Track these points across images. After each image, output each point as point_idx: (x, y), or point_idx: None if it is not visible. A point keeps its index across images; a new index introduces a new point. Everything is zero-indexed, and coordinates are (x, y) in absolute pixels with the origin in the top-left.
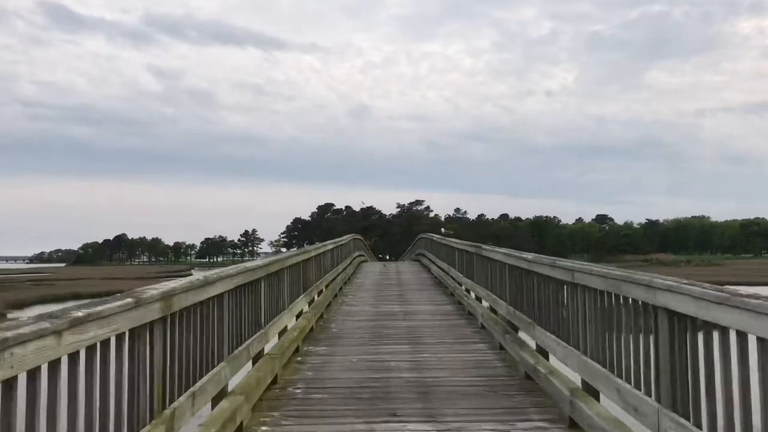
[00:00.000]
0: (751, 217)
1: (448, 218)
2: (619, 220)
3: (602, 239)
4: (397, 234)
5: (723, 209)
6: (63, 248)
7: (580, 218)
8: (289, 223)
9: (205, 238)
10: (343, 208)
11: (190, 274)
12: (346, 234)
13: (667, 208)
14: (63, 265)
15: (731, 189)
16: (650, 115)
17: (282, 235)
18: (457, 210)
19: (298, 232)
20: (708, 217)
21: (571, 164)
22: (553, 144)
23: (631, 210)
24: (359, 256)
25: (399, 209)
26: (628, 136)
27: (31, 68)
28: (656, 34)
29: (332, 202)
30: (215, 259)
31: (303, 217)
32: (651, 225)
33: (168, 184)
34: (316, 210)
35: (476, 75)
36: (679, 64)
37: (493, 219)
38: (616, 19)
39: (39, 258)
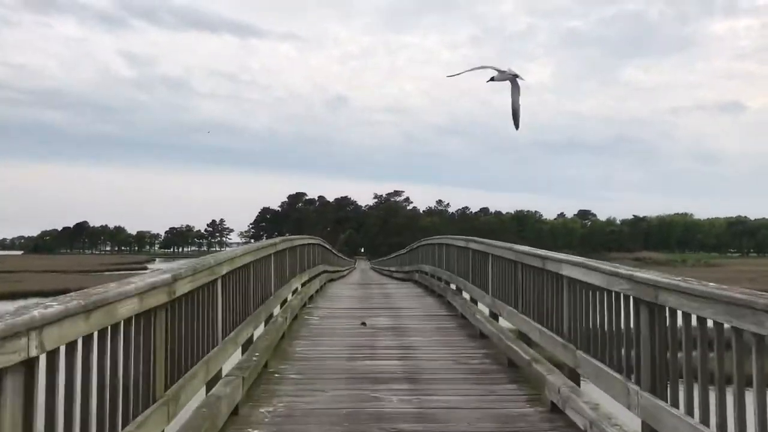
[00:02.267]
0: (732, 215)
1: (429, 211)
2: (599, 216)
3: (587, 236)
4: (373, 226)
5: (700, 206)
6: (26, 234)
7: (562, 213)
8: (256, 214)
9: (170, 228)
10: (316, 198)
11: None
12: (316, 228)
13: (644, 205)
14: (20, 253)
15: (706, 187)
16: (626, 112)
17: (251, 226)
18: (440, 202)
19: (267, 223)
20: (691, 215)
21: (548, 159)
22: (530, 139)
23: (608, 206)
24: (322, 273)
25: (376, 200)
26: (605, 133)
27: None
28: (632, 32)
29: (305, 191)
30: (180, 250)
31: (272, 207)
32: (637, 221)
33: (137, 172)
34: (286, 200)
35: (454, 68)
36: (655, 62)
37: (473, 213)
38: (594, 16)
39: (1, 244)
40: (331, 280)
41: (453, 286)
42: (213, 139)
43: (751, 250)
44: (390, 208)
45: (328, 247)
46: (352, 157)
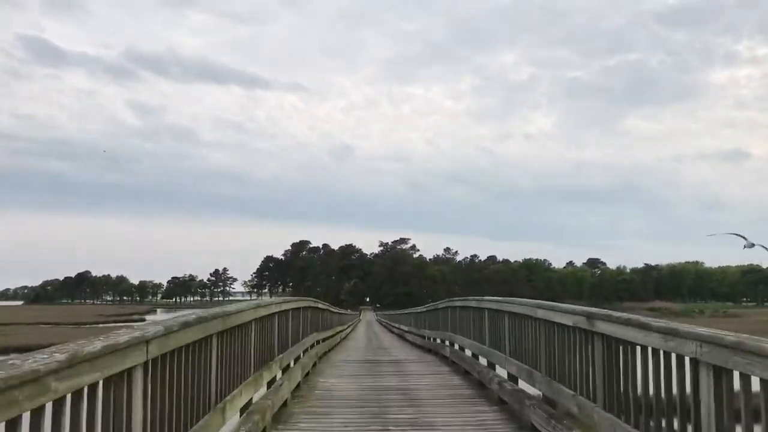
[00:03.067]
0: (743, 264)
1: (436, 259)
2: (609, 265)
3: (598, 285)
4: (379, 275)
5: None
6: (29, 285)
7: (571, 262)
8: (260, 263)
9: (172, 277)
10: (320, 246)
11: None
12: (320, 278)
13: (651, 253)
14: (20, 303)
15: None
16: (629, 161)
17: (254, 275)
18: (447, 250)
19: (270, 272)
20: (702, 263)
21: (553, 207)
22: (534, 187)
23: (615, 254)
24: (310, 349)
25: (381, 248)
26: (609, 181)
27: (11, 102)
28: (634, 82)
29: (309, 240)
30: (183, 299)
31: (276, 256)
32: (648, 270)
33: (142, 221)
34: (290, 248)
35: (457, 117)
36: (657, 111)
37: (480, 261)
38: (595, 66)
39: (4, 295)
40: (326, 352)
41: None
42: (218, 188)
43: (767, 300)
44: (396, 256)
45: (322, 306)
46: (357, 205)
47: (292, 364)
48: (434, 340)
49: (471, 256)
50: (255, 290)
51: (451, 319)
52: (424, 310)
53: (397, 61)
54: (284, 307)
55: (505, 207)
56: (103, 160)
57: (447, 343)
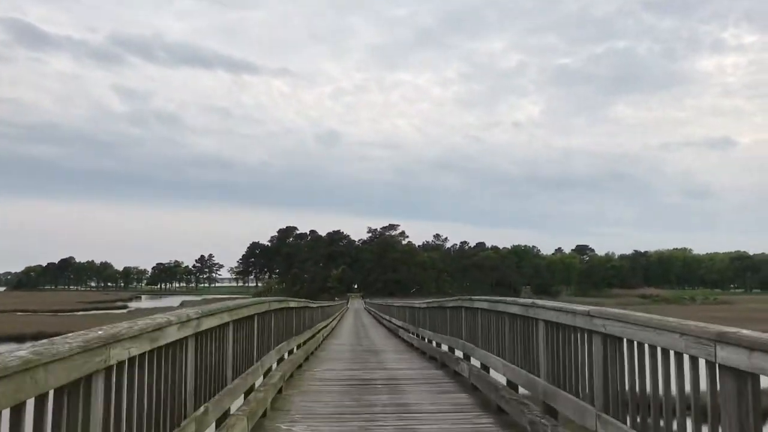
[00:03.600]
0: (730, 250)
1: (426, 245)
2: (597, 251)
3: (587, 271)
4: (368, 262)
5: (695, 241)
6: (14, 271)
7: (559, 248)
8: (246, 250)
9: (157, 263)
10: (308, 233)
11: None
12: (306, 264)
13: (638, 240)
14: (3, 289)
15: (700, 221)
16: (617, 148)
17: (239, 262)
18: (437, 236)
19: (256, 259)
20: (690, 250)
21: (541, 194)
22: (522, 174)
23: (602, 240)
24: (281, 360)
25: (370, 234)
26: (596, 168)
27: None
28: (622, 69)
29: (295, 226)
30: (167, 286)
31: (262, 242)
32: (637, 257)
33: (127, 207)
34: (276, 234)
35: (445, 104)
36: (644, 98)
37: (470, 247)
38: (583, 54)
39: None
40: (300, 365)
41: None
42: (205, 173)
43: (756, 288)
44: (385, 242)
45: (295, 304)
46: (345, 192)
47: (233, 410)
48: (438, 345)
49: (461, 242)
50: (241, 277)
51: (467, 325)
52: (425, 306)
53: (386, 47)
54: (239, 314)
55: (493, 194)
56: (88, 146)
57: (459, 354)
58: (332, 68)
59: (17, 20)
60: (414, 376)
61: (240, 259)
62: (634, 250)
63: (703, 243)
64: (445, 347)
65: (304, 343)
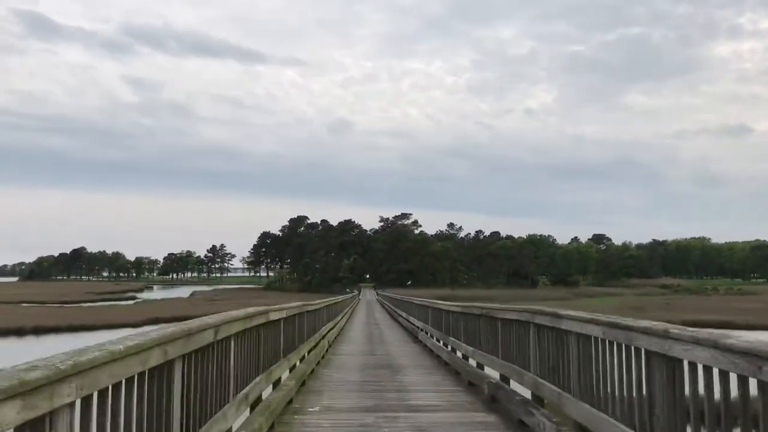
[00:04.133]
0: (749, 239)
1: (439, 235)
2: (614, 240)
3: (605, 261)
4: (380, 251)
5: (712, 230)
6: (27, 261)
7: (576, 237)
8: (256, 239)
9: (169, 253)
10: (319, 222)
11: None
12: (318, 254)
13: (651, 229)
14: (15, 279)
15: (716, 210)
16: (629, 136)
17: (251, 252)
18: (451, 225)
19: (267, 249)
20: (709, 239)
21: (552, 183)
22: (534, 163)
23: (614, 230)
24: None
25: (382, 224)
26: (608, 156)
27: (6, 77)
28: (635, 56)
29: (307, 215)
30: (179, 276)
31: (273, 232)
32: (655, 246)
33: (139, 197)
34: (287, 223)
35: (457, 92)
36: (657, 86)
37: (484, 237)
38: (595, 41)
39: (2, 271)
40: (304, 383)
41: None
42: (216, 163)
43: None
44: (397, 232)
45: (292, 311)
46: (357, 181)
47: None
48: (479, 366)
49: (475, 232)
50: (252, 267)
51: (543, 352)
52: (459, 310)
53: (396, 35)
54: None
55: (505, 182)
56: (99, 137)
57: (517, 387)
58: (342, 57)
59: (29, 11)
60: (453, 421)
61: (251, 249)
62: (653, 239)
63: (720, 232)
64: (494, 374)
65: (301, 360)
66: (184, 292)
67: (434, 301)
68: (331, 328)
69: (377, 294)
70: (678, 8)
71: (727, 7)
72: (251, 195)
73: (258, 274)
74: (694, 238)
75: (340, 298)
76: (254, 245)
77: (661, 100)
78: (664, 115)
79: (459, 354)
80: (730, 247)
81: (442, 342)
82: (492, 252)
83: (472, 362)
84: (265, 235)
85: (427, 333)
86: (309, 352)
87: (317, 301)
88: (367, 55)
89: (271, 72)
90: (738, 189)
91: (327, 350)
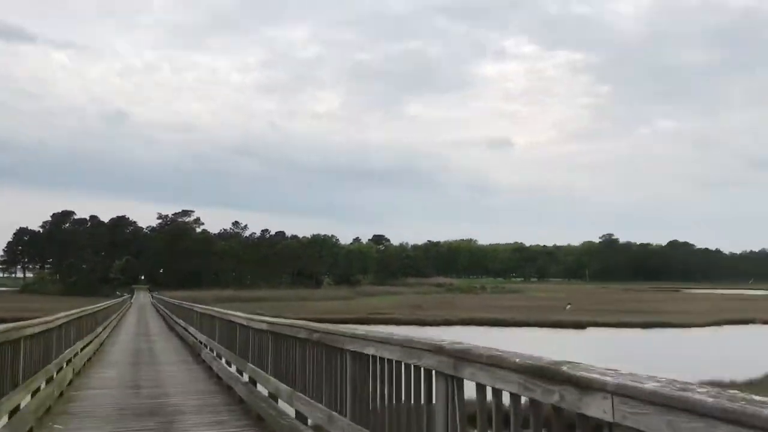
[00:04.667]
0: (510, 242)
1: (224, 233)
2: (393, 241)
3: (385, 261)
4: (157, 251)
5: (481, 233)
6: None
7: (357, 238)
8: (11, 237)
9: None
10: (88, 218)
11: None
12: (85, 252)
13: (431, 231)
14: None
15: (484, 215)
16: (409, 144)
17: (4, 251)
18: (236, 224)
19: (24, 247)
20: (475, 241)
21: (338, 185)
22: (321, 165)
23: (398, 232)
24: None
25: (160, 221)
26: (390, 163)
27: None
28: (416, 69)
29: (74, 210)
30: None
31: (31, 228)
32: (429, 247)
33: None
34: (49, 219)
35: (245, 90)
36: (435, 98)
37: (271, 236)
38: (380, 51)
39: None
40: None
41: None
42: None
43: (533, 277)
44: (177, 229)
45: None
46: (134, 176)
47: None
48: (300, 416)
49: (261, 230)
50: (6, 268)
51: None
52: (268, 328)
53: (183, 27)
54: None
55: (292, 183)
56: None
57: None
58: (122, 43)
59: None
60: None
61: (4, 248)
62: (428, 240)
63: (487, 235)
64: None
65: (12, 414)
66: None
67: (225, 311)
68: (85, 346)
69: (152, 297)
70: (455, 27)
71: (495, 30)
72: (9, 188)
73: (14, 275)
74: (463, 240)
75: (102, 305)
76: (8, 243)
77: (438, 111)
78: (441, 125)
79: (264, 391)
80: (494, 249)
81: (235, 367)
82: (278, 252)
83: (287, 407)
84: (22, 232)
85: (213, 351)
86: (34, 394)
87: (60, 315)
88: (151, 44)
89: (39, 53)
90: (502, 196)
91: (70, 382)
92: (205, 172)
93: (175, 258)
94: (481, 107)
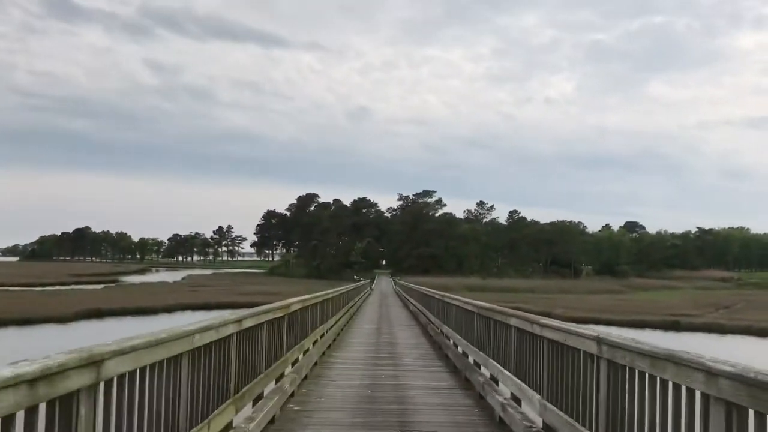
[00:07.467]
0: None
1: (468, 216)
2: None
3: (645, 251)
4: (398, 234)
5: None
6: (29, 240)
7: (608, 225)
8: (261, 218)
9: (174, 234)
10: (331, 201)
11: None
12: (328, 235)
13: (674, 221)
14: (17, 259)
15: (741, 202)
16: (651, 127)
17: (255, 233)
18: (481, 204)
19: (272, 230)
20: (748, 229)
21: (573, 174)
22: (555, 153)
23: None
24: None
25: (401, 202)
26: (630, 148)
27: (27, 58)
28: (658, 46)
29: (317, 193)
30: (185, 258)
31: (278, 211)
32: (702, 234)
33: (156, 180)
34: (295, 202)
35: (476, 81)
36: (681, 76)
37: (520, 217)
38: (618, 30)
39: (13, 251)
40: None
41: None
42: (234, 148)
43: None
44: (418, 211)
45: None
46: (375, 168)
47: None
48: None
49: (511, 211)
50: (260, 250)
51: None
52: None
53: (416, 21)
54: None
55: (525, 173)
56: (118, 119)
57: None
58: (362, 43)
59: None
60: None
61: (255, 231)
62: (698, 228)
63: (750, 224)
64: None
65: None
66: (181, 275)
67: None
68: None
69: (394, 283)
70: None
71: None
72: (267, 181)
73: (266, 258)
74: (733, 227)
75: (339, 289)
76: (258, 226)
77: (684, 90)
78: (688, 106)
79: None
80: None
81: None
82: (530, 235)
83: None
84: (270, 214)
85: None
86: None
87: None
88: (387, 41)
89: (291, 57)
90: (759, 182)
91: None
92: (439, 163)
93: (416, 241)
94: (736, 83)
